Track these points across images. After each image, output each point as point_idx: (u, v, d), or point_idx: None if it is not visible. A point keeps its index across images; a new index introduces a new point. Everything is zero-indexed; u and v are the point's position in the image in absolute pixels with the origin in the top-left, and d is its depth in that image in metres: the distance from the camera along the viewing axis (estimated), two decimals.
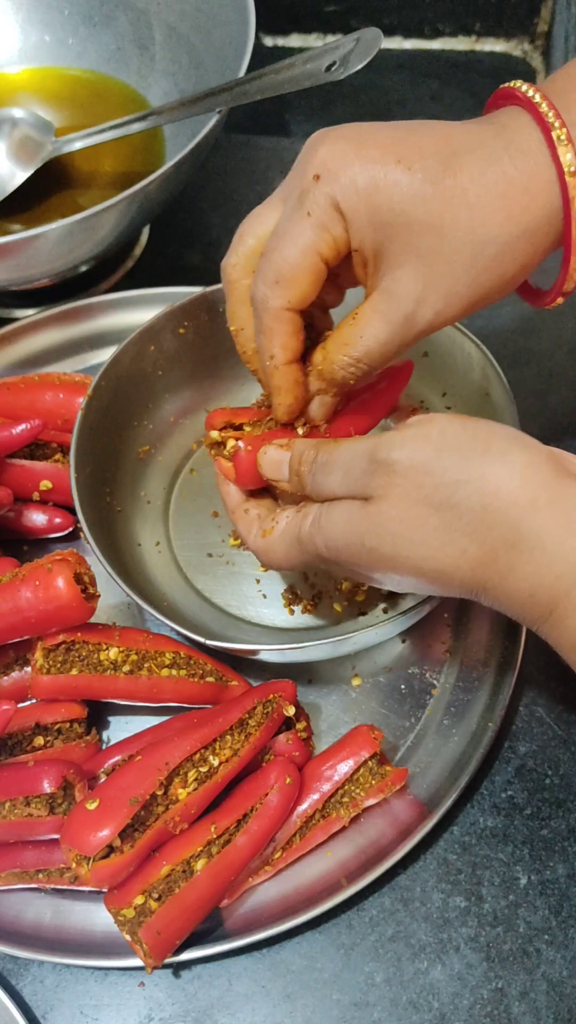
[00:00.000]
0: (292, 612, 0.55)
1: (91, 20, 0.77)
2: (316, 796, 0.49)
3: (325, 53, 0.56)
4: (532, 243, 0.40)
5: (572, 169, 0.39)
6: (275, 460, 0.45)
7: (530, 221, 0.40)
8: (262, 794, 0.47)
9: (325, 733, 0.53)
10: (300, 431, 0.47)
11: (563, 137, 0.39)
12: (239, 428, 0.48)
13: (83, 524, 0.51)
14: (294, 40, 0.92)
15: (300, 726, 0.51)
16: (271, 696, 0.49)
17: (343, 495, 0.41)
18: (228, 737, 0.48)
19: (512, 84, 0.41)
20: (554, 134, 0.39)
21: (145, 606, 0.49)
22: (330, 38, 0.92)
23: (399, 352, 0.43)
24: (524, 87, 0.40)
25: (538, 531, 0.36)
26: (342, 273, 0.44)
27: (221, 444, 0.48)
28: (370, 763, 0.49)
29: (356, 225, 0.40)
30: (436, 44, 0.90)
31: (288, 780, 0.47)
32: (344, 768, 0.49)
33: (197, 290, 0.65)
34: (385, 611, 0.55)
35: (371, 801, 0.49)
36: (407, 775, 0.50)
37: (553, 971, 0.47)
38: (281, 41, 0.92)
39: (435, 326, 0.42)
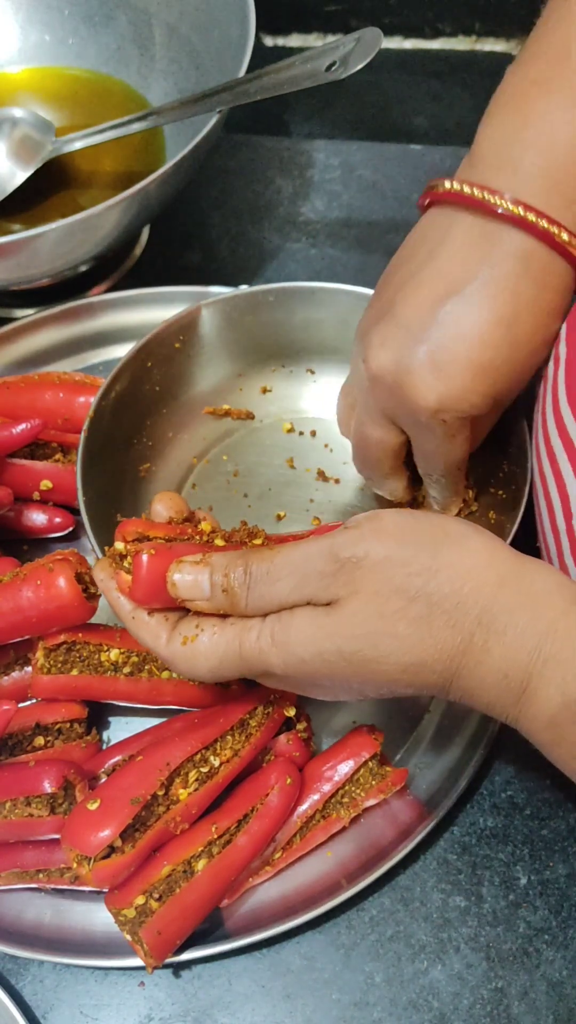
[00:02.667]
0: None
1: (91, 20, 0.76)
2: (316, 796, 0.49)
3: (325, 53, 0.56)
4: (557, 304, 0.45)
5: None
6: (191, 578, 0.40)
7: (542, 285, 0.44)
8: (263, 794, 0.47)
9: (325, 734, 0.53)
10: (219, 542, 0.43)
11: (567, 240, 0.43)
12: (149, 541, 0.43)
13: (95, 547, 0.51)
14: (294, 40, 0.92)
15: (300, 727, 0.51)
16: (272, 696, 0.49)
17: (295, 603, 0.39)
18: (229, 737, 0.48)
19: (439, 188, 0.45)
20: (557, 239, 0.43)
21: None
22: (330, 38, 0.91)
23: (467, 449, 0.49)
24: (447, 184, 0.45)
25: (509, 609, 0.37)
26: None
27: (123, 556, 0.43)
28: (370, 763, 0.49)
29: (403, 419, 0.48)
30: (436, 44, 0.90)
31: (288, 780, 0.47)
32: (344, 768, 0.49)
33: (196, 289, 0.65)
34: None
35: (371, 801, 0.49)
36: (407, 775, 0.50)
37: (553, 971, 0.47)
38: (281, 41, 0.92)
39: (483, 412, 0.47)
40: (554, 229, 0.42)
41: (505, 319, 0.43)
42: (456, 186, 0.44)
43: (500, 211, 0.43)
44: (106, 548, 0.44)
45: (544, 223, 0.42)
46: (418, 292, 0.45)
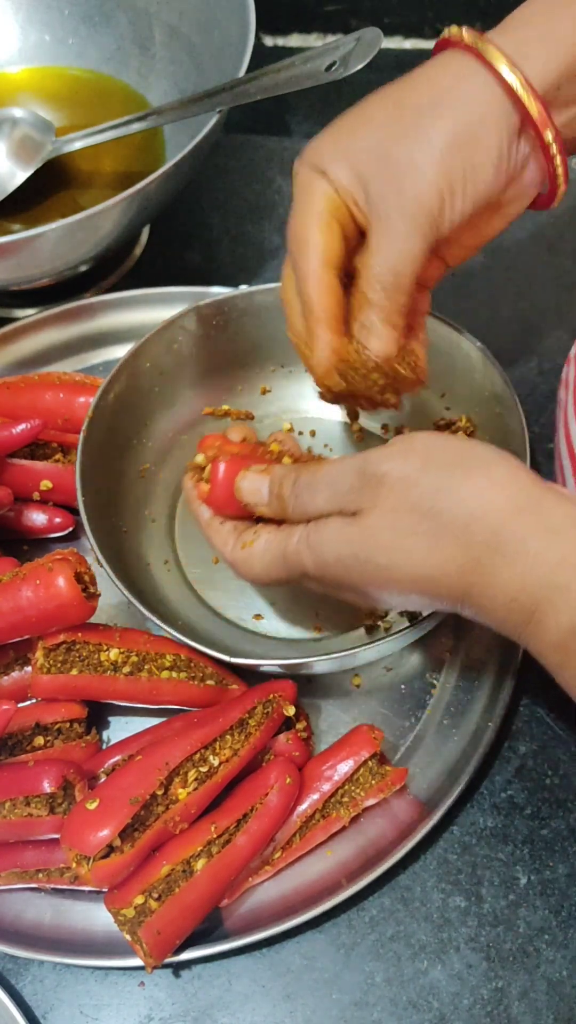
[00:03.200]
0: None
1: (91, 20, 0.77)
2: (316, 796, 0.49)
3: (325, 53, 0.56)
4: (496, 133, 0.44)
5: (505, 64, 0.43)
6: (254, 485, 0.47)
7: (487, 116, 0.43)
8: (262, 794, 0.47)
9: (325, 733, 0.53)
10: (286, 461, 0.48)
11: (476, 40, 0.44)
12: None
13: (95, 548, 0.51)
14: (294, 40, 0.92)
15: (300, 726, 0.51)
16: (271, 696, 0.49)
17: (330, 512, 0.43)
18: (228, 737, 0.48)
19: (443, 35, 0.46)
20: (466, 40, 0.44)
21: (165, 627, 0.49)
22: (330, 38, 0.91)
23: (422, 251, 0.45)
24: (452, 29, 0.46)
25: (521, 535, 0.38)
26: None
27: (201, 468, 0.49)
28: (370, 763, 0.49)
29: (335, 174, 0.45)
30: None
31: (288, 780, 0.47)
32: (344, 768, 0.49)
33: (196, 289, 0.65)
34: (405, 614, 0.55)
35: (371, 801, 0.49)
36: (407, 775, 0.50)
37: (553, 971, 0.47)
38: (281, 41, 0.92)
39: (434, 209, 0.44)
40: (534, 106, 0.43)
41: (458, 138, 0.44)
42: (456, 29, 0.45)
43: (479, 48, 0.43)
44: (188, 463, 0.51)
45: (534, 102, 0.43)
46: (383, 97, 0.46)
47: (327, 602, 0.56)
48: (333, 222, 0.46)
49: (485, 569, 0.38)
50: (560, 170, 0.45)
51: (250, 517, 0.48)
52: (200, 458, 0.49)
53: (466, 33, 0.44)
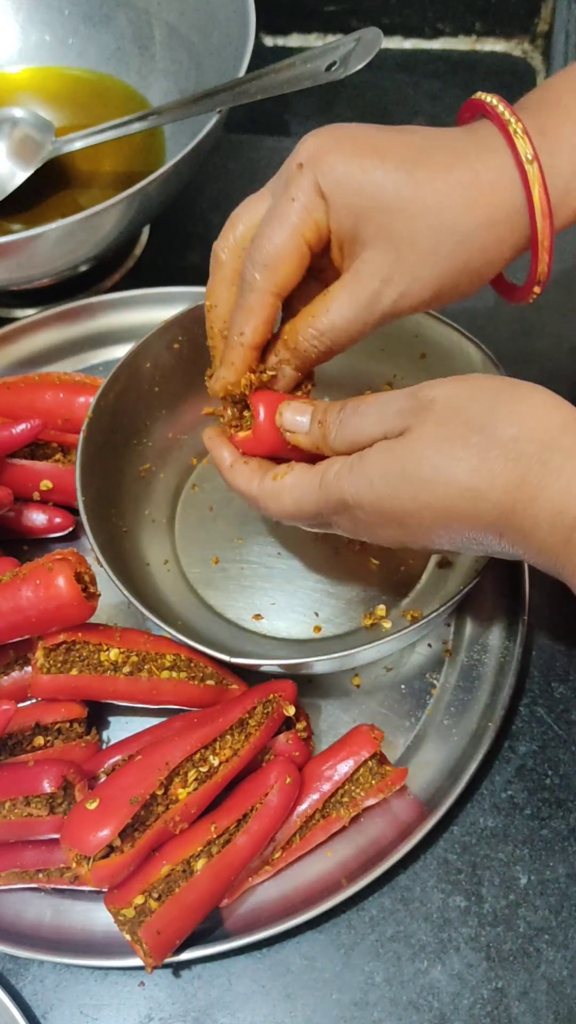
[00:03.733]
0: None
1: (91, 20, 0.77)
2: (316, 796, 0.49)
3: (325, 53, 0.56)
4: (497, 236, 0.43)
5: (529, 158, 0.42)
6: (297, 412, 0.46)
7: (493, 214, 0.43)
8: (262, 794, 0.47)
9: (325, 733, 0.53)
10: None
11: (518, 131, 0.42)
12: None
13: (95, 548, 0.51)
14: (294, 40, 0.92)
15: (300, 726, 0.51)
16: (271, 696, 0.49)
17: (375, 435, 0.42)
18: (228, 737, 0.48)
19: (475, 95, 0.45)
20: (510, 128, 0.42)
21: (165, 627, 0.49)
22: (330, 38, 0.91)
23: (362, 331, 0.45)
24: (485, 96, 0.44)
25: (568, 450, 0.38)
26: (326, 267, 0.46)
27: (235, 404, 0.49)
28: (370, 763, 0.49)
29: (335, 208, 0.43)
30: (436, 44, 0.90)
31: (288, 780, 0.47)
32: (344, 768, 0.49)
33: (196, 289, 0.65)
34: (405, 615, 0.55)
35: (371, 801, 0.49)
36: (407, 775, 0.50)
37: (553, 971, 0.47)
38: (281, 41, 0.92)
39: (399, 308, 0.44)
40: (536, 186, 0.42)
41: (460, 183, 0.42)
42: (489, 99, 0.44)
43: (509, 129, 0.42)
44: (202, 453, 0.52)
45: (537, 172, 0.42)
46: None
47: (327, 602, 0.56)
48: (307, 252, 0.44)
49: (532, 483, 0.38)
50: (544, 274, 0.45)
51: (280, 462, 0.48)
52: (247, 378, 0.48)
53: (513, 122, 0.42)
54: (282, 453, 0.48)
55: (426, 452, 0.40)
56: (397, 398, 0.42)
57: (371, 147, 0.42)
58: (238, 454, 0.49)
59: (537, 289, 0.46)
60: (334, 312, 0.44)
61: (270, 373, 0.47)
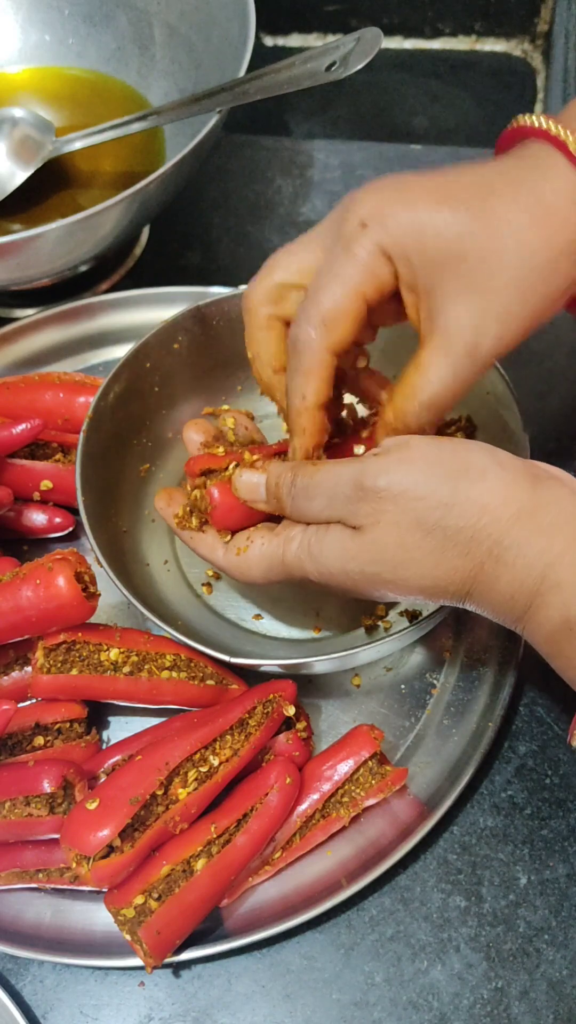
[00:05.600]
0: None
1: (91, 20, 0.77)
2: (316, 796, 0.49)
3: (325, 53, 0.56)
4: (574, 258, 0.42)
5: None
6: (251, 482, 0.47)
7: (570, 233, 0.41)
8: (262, 794, 0.47)
9: (325, 733, 0.53)
10: (247, 457, 0.48)
11: None
12: (212, 472, 0.49)
13: (95, 548, 0.51)
14: (294, 40, 0.92)
15: (300, 726, 0.51)
16: (271, 696, 0.49)
17: (326, 517, 0.43)
18: (228, 737, 0.48)
19: (518, 120, 0.43)
20: (571, 148, 0.41)
21: (165, 627, 0.49)
22: (330, 38, 0.92)
23: (467, 389, 0.43)
24: (529, 118, 0.43)
25: (519, 542, 0.39)
26: (376, 312, 0.44)
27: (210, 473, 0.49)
28: (370, 763, 0.49)
29: (406, 267, 0.41)
30: (436, 44, 0.90)
31: (288, 780, 0.47)
32: (344, 768, 0.49)
33: (196, 289, 0.65)
34: (405, 614, 0.55)
35: (371, 801, 0.49)
36: (407, 775, 0.50)
37: (553, 971, 0.47)
38: (281, 41, 0.92)
39: (497, 353, 0.42)
40: None
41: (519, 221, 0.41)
42: (539, 121, 0.42)
43: (571, 149, 0.41)
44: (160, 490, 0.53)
45: None
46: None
47: (327, 602, 0.56)
48: (366, 312, 0.42)
49: (487, 575, 0.40)
50: None
51: (251, 526, 0.48)
52: (195, 493, 0.49)
53: (566, 135, 0.41)
54: (245, 524, 0.48)
55: (383, 555, 0.41)
56: (344, 484, 0.41)
57: (434, 197, 0.41)
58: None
59: None
60: (435, 380, 0.42)
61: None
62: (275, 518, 0.48)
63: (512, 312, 0.41)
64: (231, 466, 0.49)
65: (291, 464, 0.45)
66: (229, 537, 0.49)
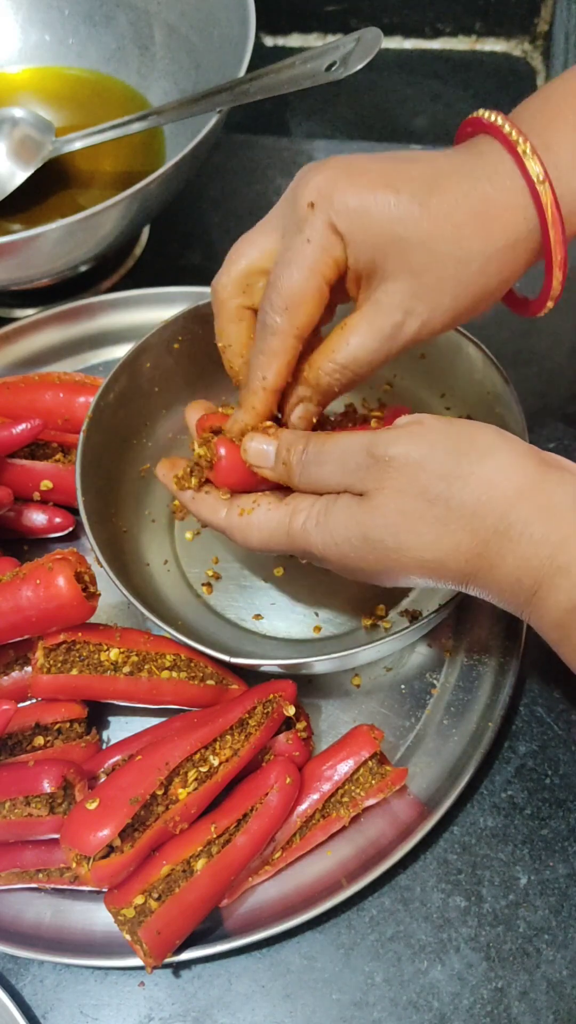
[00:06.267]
0: None
1: (91, 20, 0.77)
2: (316, 796, 0.49)
3: (325, 53, 0.56)
4: (513, 256, 0.43)
5: (540, 178, 0.41)
6: (261, 447, 0.46)
7: (510, 235, 0.43)
8: (262, 794, 0.47)
9: (325, 733, 0.53)
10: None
11: (527, 151, 0.42)
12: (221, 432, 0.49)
13: (95, 548, 0.51)
14: (294, 40, 0.92)
15: (300, 726, 0.51)
16: (271, 696, 0.49)
17: (335, 488, 0.43)
18: (228, 737, 0.48)
19: (476, 113, 0.44)
20: (519, 148, 0.42)
21: (165, 627, 0.49)
22: (330, 38, 0.91)
23: (383, 362, 0.45)
24: (487, 114, 0.44)
25: (525, 519, 0.39)
26: (334, 291, 0.45)
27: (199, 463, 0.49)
28: (370, 763, 0.49)
29: (353, 244, 0.42)
30: (436, 44, 0.90)
31: (288, 780, 0.47)
32: (344, 768, 0.49)
33: (196, 290, 0.65)
34: (405, 614, 0.55)
35: (371, 801, 0.49)
36: (407, 775, 0.50)
37: (553, 971, 0.47)
38: (281, 41, 0.92)
39: (419, 337, 0.44)
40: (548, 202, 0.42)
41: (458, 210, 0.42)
42: (493, 118, 0.43)
43: (519, 150, 0.42)
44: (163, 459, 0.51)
45: (548, 193, 0.42)
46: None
47: (327, 602, 0.56)
48: (327, 292, 0.44)
49: (492, 553, 0.39)
50: (557, 291, 0.45)
51: (251, 490, 0.48)
52: (201, 451, 0.48)
53: (521, 142, 0.42)
54: (247, 487, 0.48)
55: (388, 521, 0.40)
56: (355, 451, 0.42)
57: (382, 180, 0.42)
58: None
59: (550, 304, 0.46)
60: (355, 345, 0.44)
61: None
62: (278, 488, 0.47)
63: (443, 302, 0.43)
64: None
65: (304, 432, 0.45)
66: (228, 495, 0.48)
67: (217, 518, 0.48)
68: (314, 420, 0.48)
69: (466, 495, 0.39)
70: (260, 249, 0.45)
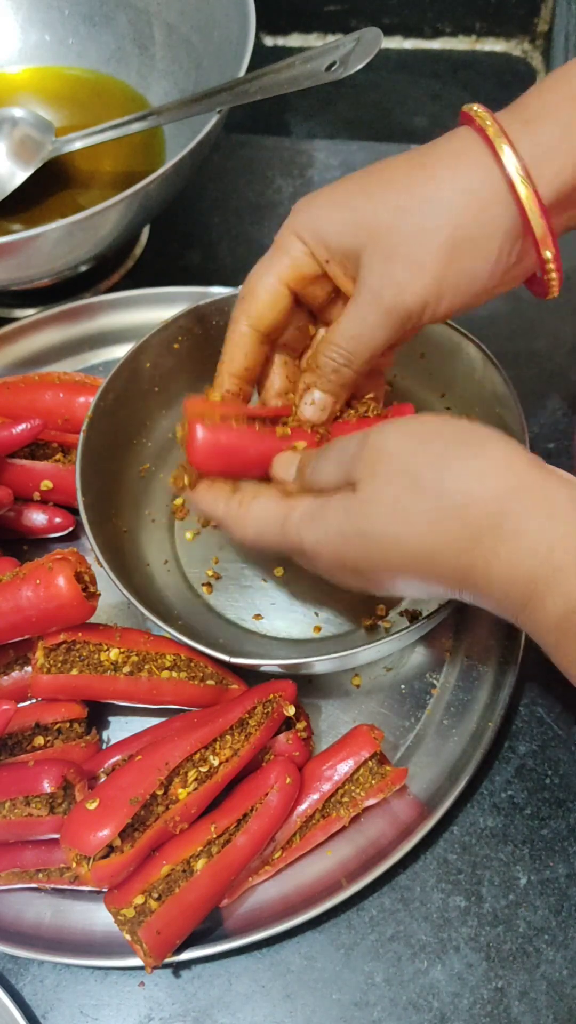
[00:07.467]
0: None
1: (91, 20, 0.77)
2: (316, 796, 0.49)
3: (325, 53, 0.56)
4: (496, 241, 0.43)
5: (520, 175, 0.41)
6: (287, 463, 0.47)
7: (489, 220, 0.43)
8: (262, 794, 0.47)
9: (325, 733, 0.53)
10: (287, 429, 0.48)
11: (498, 134, 0.42)
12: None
13: (95, 548, 0.51)
14: (294, 40, 0.92)
15: (300, 726, 0.51)
16: (271, 696, 0.49)
17: (335, 480, 0.43)
18: (228, 737, 0.48)
19: (466, 106, 0.45)
20: (488, 132, 0.42)
21: (165, 627, 0.49)
22: (330, 38, 0.92)
23: (377, 337, 0.45)
24: (473, 106, 0.44)
25: (519, 515, 0.38)
26: (306, 296, 0.48)
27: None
28: (370, 763, 0.49)
29: (321, 246, 0.45)
30: (436, 44, 0.90)
31: (288, 780, 0.47)
32: (344, 768, 0.49)
33: (196, 289, 0.65)
34: (405, 614, 0.54)
35: (371, 801, 0.49)
36: (407, 775, 0.50)
37: (553, 971, 0.47)
38: (281, 41, 0.92)
39: (408, 305, 0.44)
40: (529, 198, 0.42)
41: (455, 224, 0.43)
42: (476, 108, 0.44)
43: (488, 133, 0.42)
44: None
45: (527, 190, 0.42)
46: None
47: (327, 602, 0.56)
48: (284, 290, 0.47)
49: (484, 548, 0.38)
50: (555, 279, 0.45)
51: (233, 477, 0.48)
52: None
53: (489, 121, 0.43)
54: (222, 470, 0.48)
55: (379, 511, 0.40)
56: (352, 442, 0.42)
57: (356, 184, 0.45)
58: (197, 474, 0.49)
59: (554, 284, 0.46)
60: (344, 321, 0.45)
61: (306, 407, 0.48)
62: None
63: (422, 270, 0.43)
64: (233, 419, 0.48)
65: (323, 448, 0.46)
66: (231, 485, 0.48)
67: (216, 509, 0.48)
68: (327, 412, 0.48)
69: (458, 486, 0.39)
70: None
